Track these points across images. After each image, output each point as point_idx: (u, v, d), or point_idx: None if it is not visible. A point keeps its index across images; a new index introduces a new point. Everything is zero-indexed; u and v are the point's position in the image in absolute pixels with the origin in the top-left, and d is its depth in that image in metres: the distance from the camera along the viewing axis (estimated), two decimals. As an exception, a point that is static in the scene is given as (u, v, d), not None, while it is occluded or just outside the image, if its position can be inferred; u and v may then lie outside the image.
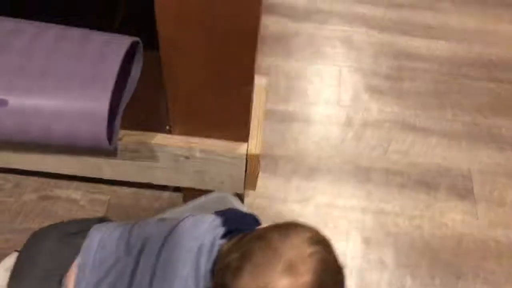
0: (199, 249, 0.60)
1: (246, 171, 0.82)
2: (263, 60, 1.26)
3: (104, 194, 1.00)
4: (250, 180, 0.84)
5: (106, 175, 0.87)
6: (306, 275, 0.53)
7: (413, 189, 1.07)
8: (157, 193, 1.00)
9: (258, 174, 0.84)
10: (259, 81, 0.86)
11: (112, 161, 0.83)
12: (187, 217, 0.65)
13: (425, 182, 1.08)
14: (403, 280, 0.94)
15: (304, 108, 1.19)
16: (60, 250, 0.67)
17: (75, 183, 1.00)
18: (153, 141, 0.78)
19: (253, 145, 0.79)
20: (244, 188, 0.87)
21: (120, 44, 0.72)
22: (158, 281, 0.60)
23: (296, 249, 0.54)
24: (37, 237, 0.70)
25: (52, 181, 1.01)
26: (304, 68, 1.27)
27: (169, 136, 0.79)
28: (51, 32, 0.72)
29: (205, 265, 0.59)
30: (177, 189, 0.99)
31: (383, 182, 1.07)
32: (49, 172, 0.89)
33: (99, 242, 0.66)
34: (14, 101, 0.69)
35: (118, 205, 0.99)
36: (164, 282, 0.60)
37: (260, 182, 0.89)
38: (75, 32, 0.73)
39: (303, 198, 1.04)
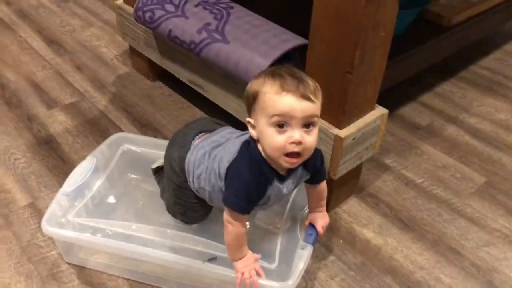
0: None
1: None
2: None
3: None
4: (332, 164, 1.12)
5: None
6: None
7: None
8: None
9: (338, 161, 1.11)
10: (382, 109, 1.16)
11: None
12: None
13: None
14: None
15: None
16: (209, 124, 1.09)
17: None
18: (287, 105, 1.17)
19: (344, 132, 1.08)
20: (328, 172, 1.15)
21: (294, 40, 1.17)
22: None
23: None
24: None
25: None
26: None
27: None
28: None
29: None
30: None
31: None
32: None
33: (230, 129, 1.07)
34: (232, 44, 1.21)
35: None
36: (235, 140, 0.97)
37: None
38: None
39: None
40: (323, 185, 1.05)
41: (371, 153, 1.21)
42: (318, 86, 0.88)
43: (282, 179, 0.93)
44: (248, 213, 0.94)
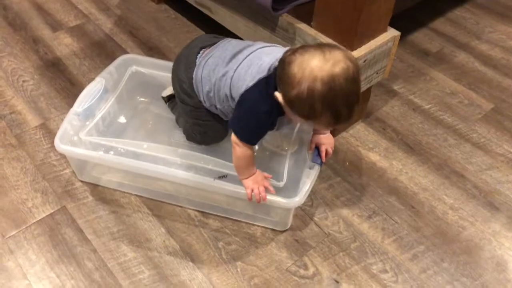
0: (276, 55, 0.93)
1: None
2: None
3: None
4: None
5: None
6: (333, 65, 0.81)
7: None
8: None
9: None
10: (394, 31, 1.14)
11: (272, 37, 1.23)
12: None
13: None
14: None
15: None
16: (210, 39, 1.07)
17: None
18: (298, 25, 1.14)
19: (355, 53, 1.07)
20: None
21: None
22: (248, 60, 0.96)
23: (337, 54, 0.83)
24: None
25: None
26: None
27: (308, 26, 1.14)
28: None
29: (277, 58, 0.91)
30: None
31: None
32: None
33: (230, 40, 1.05)
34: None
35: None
36: (252, 59, 0.96)
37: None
38: None
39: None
40: None
41: (380, 77, 1.21)
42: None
43: None
44: (256, 144, 0.97)
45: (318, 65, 0.82)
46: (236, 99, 0.95)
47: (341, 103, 0.84)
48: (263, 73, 0.92)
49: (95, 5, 1.70)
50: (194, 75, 1.02)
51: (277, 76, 0.88)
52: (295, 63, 0.84)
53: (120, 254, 1.02)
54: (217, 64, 0.99)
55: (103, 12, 1.67)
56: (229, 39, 1.07)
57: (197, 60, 1.03)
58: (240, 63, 0.96)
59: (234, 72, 0.95)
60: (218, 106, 1.02)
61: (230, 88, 0.96)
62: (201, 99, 1.03)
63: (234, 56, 0.98)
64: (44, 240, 1.04)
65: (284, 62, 0.86)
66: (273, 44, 1.01)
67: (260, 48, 0.98)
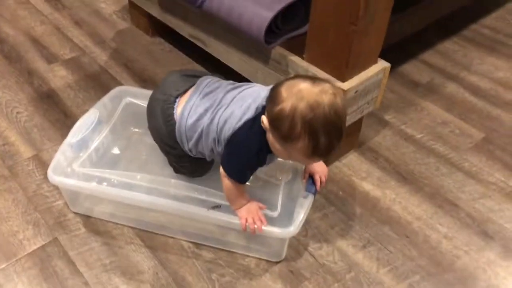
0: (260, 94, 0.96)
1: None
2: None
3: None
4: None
5: (258, 80, 1.29)
6: (321, 92, 0.83)
7: None
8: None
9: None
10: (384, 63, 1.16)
11: (264, 68, 1.25)
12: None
13: None
14: None
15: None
16: (180, 82, 1.05)
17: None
18: (290, 58, 1.16)
19: (346, 85, 1.09)
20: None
21: None
22: (234, 103, 0.97)
23: (327, 86, 0.85)
24: (166, 75, 1.11)
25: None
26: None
27: (300, 59, 1.16)
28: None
29: (262, 98, 0.94)
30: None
31: None
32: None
33: (208, 82, 1.04)
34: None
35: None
36: (237, 102, 0.97)
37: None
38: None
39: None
40: None
41: (372, 107, 1.23)
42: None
43: None
44: (245, 182, 0.98)
45: (307, 88, 0.84)
46: (223, 143, 0.96)
47: (321, 130, 0.82)
48: (249, 114, 0.93)
49: (90, 38, 1.73)
50: (177, 128, 1.01)
51: (266, 101, 0.90)
52: (284, 85, 0.86)
53: (112, 286, 1.01)
54: (201, 113, 0.99)
55: (98, 45, 1.69)
56: (204, 79, 1.04)
57: (174, 111, 1.02)
58: (226, 108, 0.97)
59: (220, 117, 0.96)
60: (206, 153, 1.02)
61: (217, 133, 0.97)
62: (186, 148, 1.04)
63: (219, 102, 0.98)
64: (35, 273, 1.02)
65: (274, 87, 0.89)
66: (255, 84, 1.03)
67: (243, 90, 0.99)
